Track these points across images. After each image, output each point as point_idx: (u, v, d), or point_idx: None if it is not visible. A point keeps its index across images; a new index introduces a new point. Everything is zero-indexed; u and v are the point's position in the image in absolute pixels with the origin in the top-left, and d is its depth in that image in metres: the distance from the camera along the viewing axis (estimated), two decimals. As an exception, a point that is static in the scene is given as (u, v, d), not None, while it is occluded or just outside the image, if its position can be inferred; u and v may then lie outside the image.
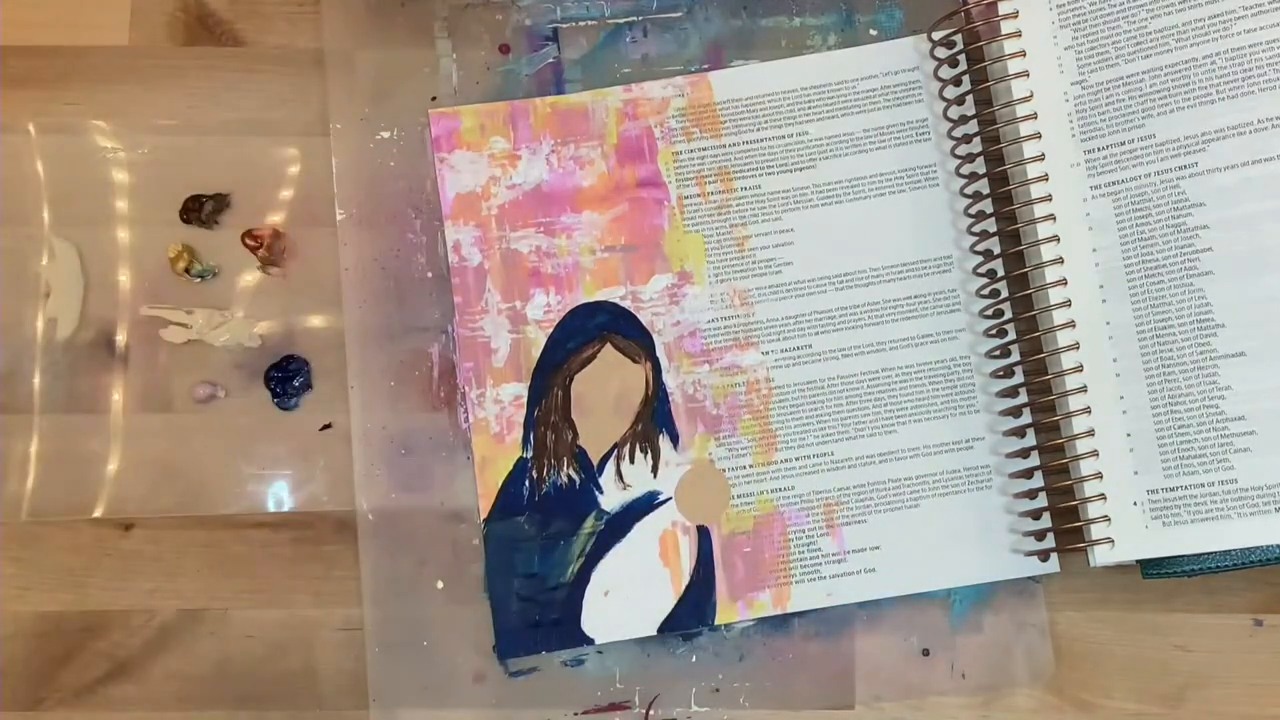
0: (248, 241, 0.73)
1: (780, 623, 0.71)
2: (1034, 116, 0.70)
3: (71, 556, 0.71)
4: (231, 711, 0.70)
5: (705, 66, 0.75)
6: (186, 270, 0.72)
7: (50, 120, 0.74)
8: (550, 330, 0.73)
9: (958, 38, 0.73)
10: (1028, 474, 0.70)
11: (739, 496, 0.71)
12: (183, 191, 0.73)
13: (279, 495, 0.71)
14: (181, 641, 0.70)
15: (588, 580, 0.71)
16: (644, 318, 0.73)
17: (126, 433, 0.71)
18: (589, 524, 0.71)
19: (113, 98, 0.74)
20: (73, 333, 0.72)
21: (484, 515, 0.71)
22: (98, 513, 0.71)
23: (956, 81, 0.73)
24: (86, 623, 0.70)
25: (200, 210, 0.73)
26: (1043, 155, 0.70)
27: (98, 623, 0.70)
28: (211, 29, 0.75)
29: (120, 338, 0.72)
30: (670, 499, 0.71)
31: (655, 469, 0.72)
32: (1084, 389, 0.69)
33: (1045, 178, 0.70)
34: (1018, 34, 0.71)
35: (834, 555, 0.71)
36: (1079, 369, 0.68)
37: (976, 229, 0.71)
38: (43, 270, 0.73)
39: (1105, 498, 0.68)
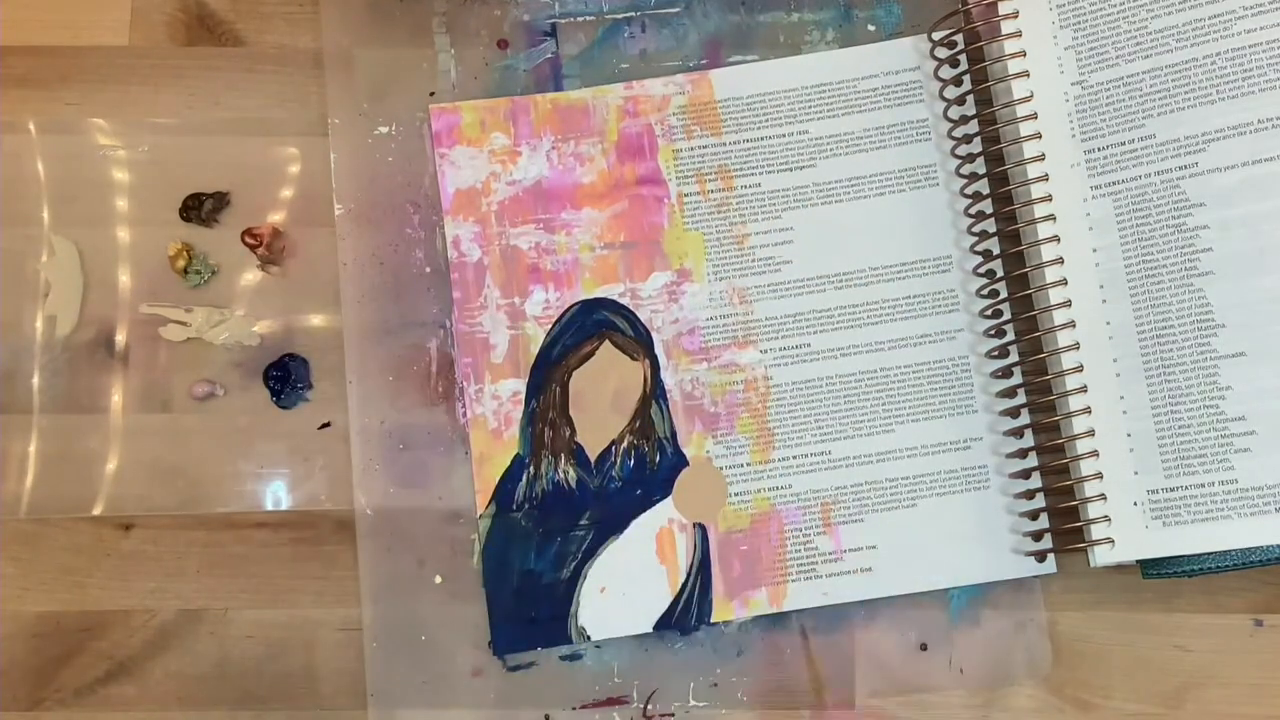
0: (247, 240, 0.73)
1: (779, 618, 0.71)
2: (1034, 116, 0.70)
3: (71, 556, 0.71)
4: (231, 711, 0.71)
5: (703, 62, 0.75)
6: (186, 269, 0.73)
7: (50, 120, 0.74)
8: (549, 327, 0.73)
9: (958, 37, 0.72)
10: (1026, 474, 0.70)
11: (736, 494, 0.71)
12: (182, 190, 0.74)
13: (278, 494, 0.72)
14: (181, 641, 0.71)
15: (584, 577, 0.71)
16: (643, 315, 0.73)
17: (126, 431, 0.72)
18: (585, 520, 0.71)
19: (113, 97, 0.74)
20: (72, 331, 0.72)
21: (481, 511, 0.71)
22: (97, 511, 0.72)
23: (957, 81, 0.72)
24: (86, 623, 0.71)
25: (200, 209, 0.73)
26: (1043, 155, 0.70)
27: (98, 623, 0.71)
28: (211, 29, 0.75)
29: (120, 336, 0.72)
30: (667, 496, 0.72)
31: (652, 466, 0.72)
32: (1084, 389, 0.68)
33: (1045, 178, 0.70)
34: (1018, 34, 0.70)
35: (830, 554, 0.71)
36: (1079, 369, 0.68)
37: (976, 229, 0.71)
38: (42, 269, 0.73)
39: (1105, 498, 0.68)
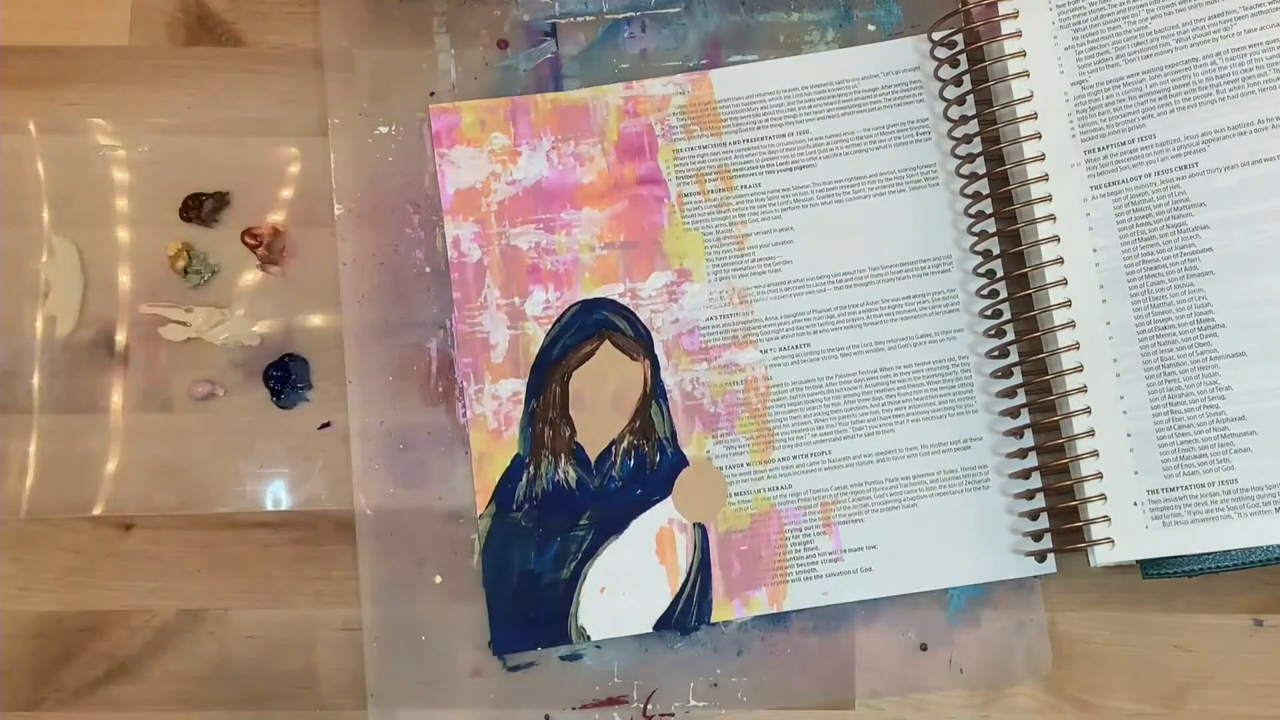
0: (247, 240, 0.73)
1: (779, 618, 0.71)
2: (1034, 116, 0.70)
3: (71, 556, 0.71)
4: (231, 711, 0.71)
5: (703, 62, 0.75)
6: (186, 269, 0.73)
7: (50, 120, 0.74)
8: (549, 327, 0.73)
9: (958, 37, 0.72)
10: (1026, 474, 0.70)
11: (736, 494, 0.71)
12: (182, 190, 0.74)
13: (278, 494, 0.72)
14: (181, 641, 0.71)
15: (584, 577, 0.71)
16: (643, 315, 0.73)
17: (126, 432, 0.72)
18: (585, 520, 0.71)
19: (113, 97, 0.74)
20: (72, 331, 0.72)
21: (481, 511, 0.71)
22: (97, 511, 0.71)
23: (957, 81, 0.72)
24: (86, 623, 0.71)
25: (200, 209, 0.73)
26: (1043, 155, 0.70)
27: (98, 623, 0.71)
28: (211, 29, 0.75)
29: (120, 336, 0.72)
30: (667, 496, 0.72)
31: (652, 466, 0.72)
32: (1084, 389, 0.68)
33: (1045, 178, 0.70)
34: (1018, 34, 0.70)
35: (830, 554, 0.71)
36: (1079, 369, 0.68)
37: (976, 229, 0.71)
38: (42, 269, 0.73)
39: (1105, 498, 0.68)
